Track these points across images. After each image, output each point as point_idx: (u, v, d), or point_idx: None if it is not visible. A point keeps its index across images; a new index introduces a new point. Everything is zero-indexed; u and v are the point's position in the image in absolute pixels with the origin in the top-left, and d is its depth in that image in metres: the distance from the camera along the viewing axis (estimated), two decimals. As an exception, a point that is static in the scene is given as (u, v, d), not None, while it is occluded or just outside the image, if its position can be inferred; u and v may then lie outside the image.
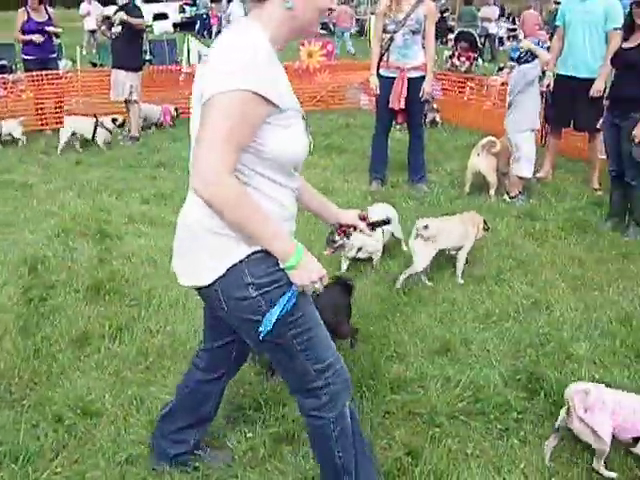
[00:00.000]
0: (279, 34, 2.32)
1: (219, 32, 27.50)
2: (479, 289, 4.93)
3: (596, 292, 4.94)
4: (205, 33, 29.24)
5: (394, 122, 7.40)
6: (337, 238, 4.41)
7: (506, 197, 6.92)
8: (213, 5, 31.03)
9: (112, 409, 3.49)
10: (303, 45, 13.83)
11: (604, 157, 6.74)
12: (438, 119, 10.70)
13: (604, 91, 6.85)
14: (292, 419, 3.37)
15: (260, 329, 2.34)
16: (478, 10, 22.30)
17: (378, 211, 5.08)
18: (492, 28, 22.07)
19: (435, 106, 10.69)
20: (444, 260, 5.33)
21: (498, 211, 6.08)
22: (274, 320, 2.31)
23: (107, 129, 9.30)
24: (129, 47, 9.29)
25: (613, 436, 3.04)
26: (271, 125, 2.24)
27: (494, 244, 5.73)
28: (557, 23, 7.66)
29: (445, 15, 28.13)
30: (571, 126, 7.65)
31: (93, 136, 9.21)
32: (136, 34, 9.38)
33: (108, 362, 3.93)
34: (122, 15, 9.02)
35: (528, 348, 4.12)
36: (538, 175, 7.62)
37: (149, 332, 4.26)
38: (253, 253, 2.31)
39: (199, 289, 2.47)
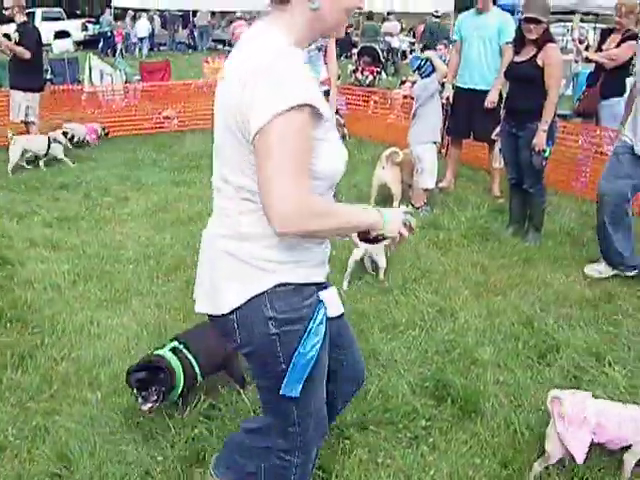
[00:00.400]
0: (304, 37, 2.16)
1: (124, 50, 27.45)
2: (385, 299, 4.98)
3: (499, 297, 5.09)
4: (109, 51, 28.88)
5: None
6: None
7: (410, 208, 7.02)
8: (118, 23, 30.68)
9: (16, 442, 3.37)
10: (207, 62, 13.81)
11: (501, 166, 6.98)
12: (345, 133, 10.81)
13: (500, 102, 7.09)
14: (201, 440, 3.34)
15: (282, 390, 2.22)
16: (380, 25, 22.83)
17: None
18: (394, 42, 22.57)
19: (342, 121, 10.80)
20: (355, 273, 5.40)
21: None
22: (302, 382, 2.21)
23: (60, 142, 9.19)
24: (26, 67, 8.98)
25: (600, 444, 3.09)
26: (318, 140, 2.05)
27: (399, 254, 5.81)
28: (454, 37, 7.90)
29: (349, 30, 28.60)
30: (471, 137, 7.87)
31: (46, 153, 9.06)
32: (34, 53, 9.13)
33: (10, 393, 3.79)
34: (16, 36, 8.78)
35: (435, 356, 4.21)
36: (440, 185, 7.80)
37: (53, 360, 4.14)
38: (280, 285, 2.16)
39: (214, 317, 2.32)
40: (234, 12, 35.67)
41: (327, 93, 6.99)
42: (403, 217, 2.29)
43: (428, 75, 6.82)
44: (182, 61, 23.94)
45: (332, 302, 2.37)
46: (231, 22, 35.90)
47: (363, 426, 3.52)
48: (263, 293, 2.15)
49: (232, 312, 2.20)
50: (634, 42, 7.59)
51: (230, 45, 30.88)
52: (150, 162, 9.33)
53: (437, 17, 20.41)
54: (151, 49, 31.70)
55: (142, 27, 31.08)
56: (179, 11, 34.75)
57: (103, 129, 10.55)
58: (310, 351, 2.19)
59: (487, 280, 5.38)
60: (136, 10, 32.25)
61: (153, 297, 5.03)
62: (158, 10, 32.00)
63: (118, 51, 26.45)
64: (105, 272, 5.49)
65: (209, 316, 2.35)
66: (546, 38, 5.81)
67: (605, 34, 8.26)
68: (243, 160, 2.07)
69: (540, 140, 5.82)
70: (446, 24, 22.46)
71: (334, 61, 7.19)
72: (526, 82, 5.97)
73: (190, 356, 3.53)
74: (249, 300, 2.16)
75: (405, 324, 4.58)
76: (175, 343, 3.57)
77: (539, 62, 5.83)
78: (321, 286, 2.32)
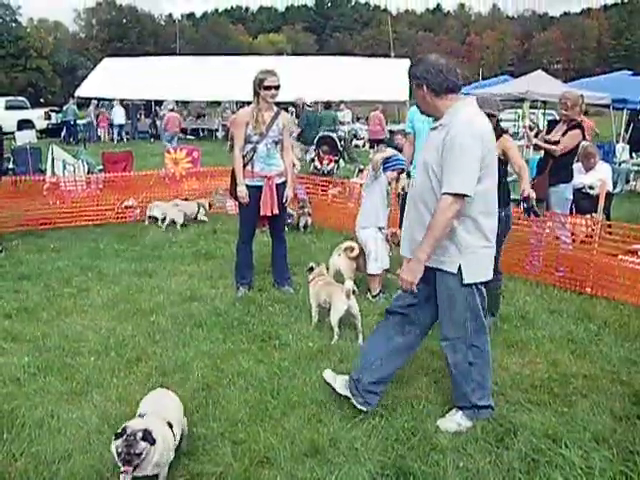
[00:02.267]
0: None
1: (86, 140, 27.70)
2: (346, 388, 5.02)
3: (455, 383, 5.17)
4: (72, 139, 29.22)
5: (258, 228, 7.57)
6: None
7: (369, 296, 7.17)
8: (103, 109, 31.53)
9: None
10: (169, 152, 14.04)
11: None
12: (309, 223, 10.99)
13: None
14: None
15: None
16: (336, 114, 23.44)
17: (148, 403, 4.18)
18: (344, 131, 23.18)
19: (308, 210, 10.98)
20: (312, 362, 5.47)
21: (362, 310, 6.28)
22: None
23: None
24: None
25: None
26: None
27: (359, 344, 5.92)
28: (407, 130, 8.14)
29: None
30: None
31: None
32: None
33: (-34, 493, 3.75)
34: None
35: (394, 443, 4.26)
36: (398, 272, 7.92)
37: (12, 456, 4.10)
38: None
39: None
40: (200, 102, 36.63)
41: (285, 184, 7.21)
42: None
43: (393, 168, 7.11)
44: (144, 150, 24.19)
45: None
46: (199, 115, 36.78)
47: (325, 517, 3.54)
48: None
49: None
50: (578, 131, 8.00)
51: (193, 134, 31.57)
52: (112, 252, 9.37)
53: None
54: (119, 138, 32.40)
55: (119, 114, 31.88)
56: (141, 100, 35.43)
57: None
58: None
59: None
60: (99, 99, 32.98)
61: (115, 390, 5.02)
62: (120, 100, 32.61)
63: (104, 137, 27.00)
64: (66, 364, 5.47)
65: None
66: (500, 130, 6.11)
67: (552, 124, 8.69)
68: None
69: None
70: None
71: (290, 153, 7.43)
72: None
73: None
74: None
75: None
76: None
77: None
78: None
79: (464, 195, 4.02)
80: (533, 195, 6.23)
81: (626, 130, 19.61)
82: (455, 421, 4.53)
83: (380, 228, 7.28)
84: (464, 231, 4.20)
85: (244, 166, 7.07)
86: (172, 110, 23.53)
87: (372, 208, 7.22)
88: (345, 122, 24.33)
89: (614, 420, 4.63)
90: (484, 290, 4.47)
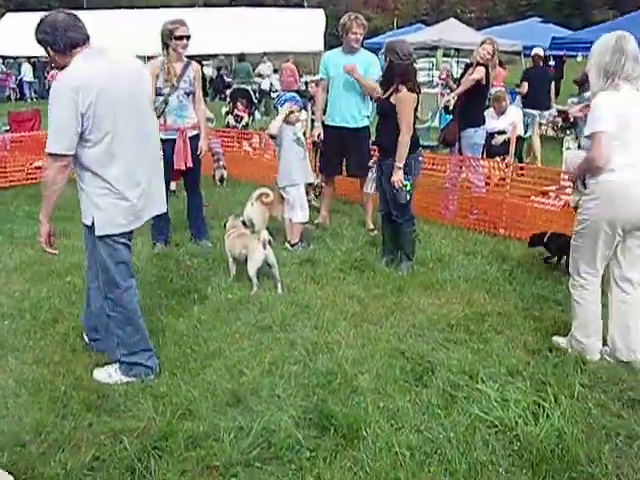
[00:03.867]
0: None
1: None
2: (265, 337, 5.05)
3: (375, 326, 5.25)
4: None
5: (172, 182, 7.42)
6: None
7: (287, 245, 7.16)
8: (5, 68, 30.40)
9: None
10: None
11: (372, 191, 7.28)
12: (225, 176, 10.85)
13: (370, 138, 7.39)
14: None
15: None
16: (254, 67, 23.17)
17: None
18: (264, 84, 22.88)
19: (223, 163, 10.84)
20: (232, 313, 5.47)
21: (280, 259, 6.28)
22: None
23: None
24: None
25: None
26: None
27: (277, 294, 5.95)
28: (321, 76, 8.06)
29: (221, 72, 28.87)
30: (343, 173, 8.08)
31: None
32: None
33: None
34: None
35: (316, 388, 4.29)
36: (316, 221, 7.99)
37: None
38: None
39: None
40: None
41: (199, 136, 7.08)
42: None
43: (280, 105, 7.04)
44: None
45: None
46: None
47: (248, 463, 3.56)
48: None
49: None
50: (480, 68, 8.07)
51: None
52: (23, 214, 9.04)
53: None
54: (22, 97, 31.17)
55: (28, 71, 30.69)
56: (47, 57, 33.99)
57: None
58: None
59: (363, 311, 5.54)
60: (4, 57, 31.59)
61: (31, 352, 4.89)
62: (27, 57, 31.31)
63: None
64: (-22, 330, 5.30)
65: None
66: (401, 78, 6.10)
67: (468, 67, 8.74)
68: None
69: (397, 177, 6.10)
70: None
71: (202, 105, 7.28)
72: (384, 118, 6.28)
73: None
74: None
75: (286, 360, 4.66)
76: None
77: (392, 100, 6.13)
78: None
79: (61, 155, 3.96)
80: (399, 182, 6.17)
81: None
82: (107, 371, 4.51)
83: (297, 185, 7.19)
84: (87, 185, 4.17)
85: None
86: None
87: (294, 165, 7.12)
88: (265, 75, 23.94)
89: (527, 354, 4.80)
90: (124, 242, 4.36)
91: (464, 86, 8.21)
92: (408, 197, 6.23)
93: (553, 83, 13.92)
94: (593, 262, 4.62)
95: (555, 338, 4.99)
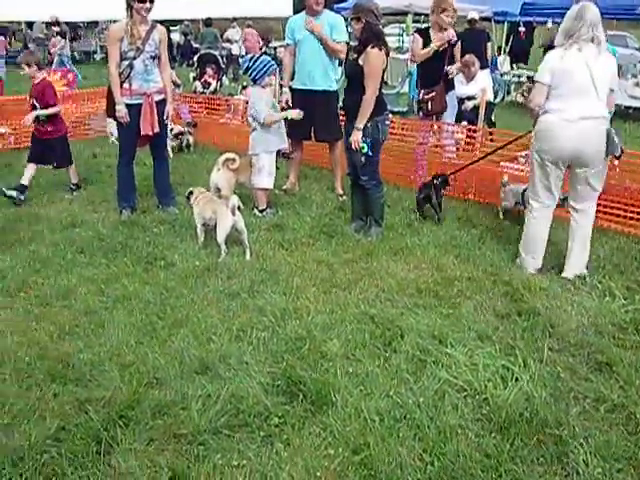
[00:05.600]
0: None
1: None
2: (234, 304, 5.00)
3: (344, 292, 5.23)
4: None
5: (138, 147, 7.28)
6: None
7: (256, 211, 7.08)
8: None
9: None
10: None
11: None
12: (191, 142, 10.71)
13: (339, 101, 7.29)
14: (52, 465, 3.23)
15: None
16: (223, 32, 22.84)
17: None
18: (235, 49, 22.60)
19: (189, 129, 10.70)
20: (199, 280, 5.40)
21: (249, 225, 6.21)
22: None
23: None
24: None
25: None
26: None
27: (245, 260, 5.89)
28: (287, 41, 7.95)
29: (189, 37, 28.47)
30: (312, 138, 7.99)
31: None
32: None
33: None
34: None
35: (284, 354, 4.26)
36: (284, 187, 7.91)
37: None
38: None
39: None
40: (80, 23, 34.56)
41: (165, 101, 6.94)
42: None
43: (260, 77, 6.84)
44: (17, 76, 22.79)
45: None
46: (74, 37, 34.68)
47: (216, 430, 3.53)
48: None
49: None
50: (440, 34, 7.96)
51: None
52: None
53: None
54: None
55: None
56: (10, 22, 33.15)
57: None
58: None
59: (333, 276, 5.50)
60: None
61: (-6, 323, 4.80)
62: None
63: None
64: (-60, 302, 5.17)
65: None
66: (369, 40, 6.00)
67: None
68: None
69: (354, 137, 6.05)
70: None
71: (168, 68, 7.14)
72: (352, 81, 6.20)
73: None
74: None
75: (254, 326, 4.61)
76: None
77: (360, 62, 6.04)
78: None
79: None
80: (357, 143, 6.14)
81: (506, 42, 19.91)
82: None
83: (270, 151, 7.05)
84: None
85: (121, 84, 6.75)
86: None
87: (261, 134, 6.96)
88: (233, 40, 23.60)
89: (496, 318, 4.82)
90: None
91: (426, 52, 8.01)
92: (363, 160, 6.17)
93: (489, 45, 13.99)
94: (535, 190, 5.62)
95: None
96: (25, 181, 7.83)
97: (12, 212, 7.42)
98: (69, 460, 3.30)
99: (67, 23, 29.55)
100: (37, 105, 7.77)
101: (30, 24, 29.98)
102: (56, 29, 23.16)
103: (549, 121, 5.36)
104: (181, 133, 10.42)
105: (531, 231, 5.69)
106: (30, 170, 7.93)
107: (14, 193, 7.63)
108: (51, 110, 7.77)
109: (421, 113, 8.25)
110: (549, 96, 5.34)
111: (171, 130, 9.68)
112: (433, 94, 8.09)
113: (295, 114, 7.07)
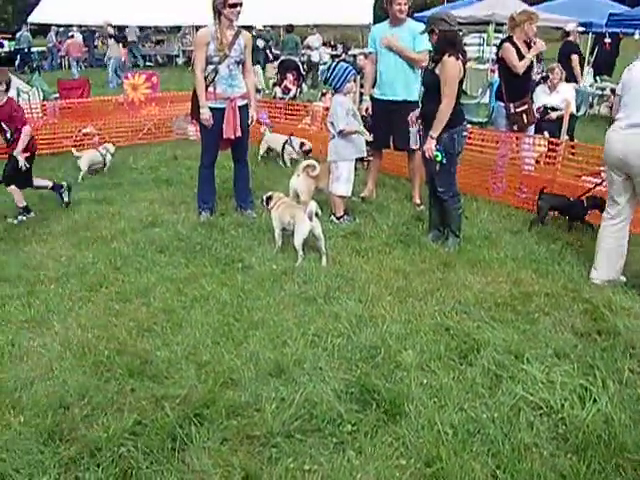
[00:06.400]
0: None
1: (41, 67, 26.82)
2: (309, 309, 5.03)
3: (420, 302, 5.19)
4: (26, 68, 28.16)
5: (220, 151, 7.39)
6: None
7: (333, 218, 7.11)
8: (54, 37, 30.26)
9: None
10: (127, 78, 13.65)
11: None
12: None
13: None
14: (128, 458, 3.31)
15: None
16: (303, 39, 23.04)
17: None
18: (314, 56, 22.75)
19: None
20: (276, 284, 5.45)
21: (326, 232, 6.24)
22: None
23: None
24: None
25: None
26: None
27: (322, 266, 5.92)
28: (369, 50, 7.96)
29: (270, 43, 28.76)
30: (391, 147, 7.97)
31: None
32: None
33: None
34: None
35: (359, 362, 4.26)
36: (362, 194, 7.92)
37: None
38: None
39: None
40: (164, 28, 35.39)
41: (248, 106, 7.05)
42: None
43: (340, 85, 6.83)
44: (102, 77, 23.47)
45: None
46: (158, 41, 35.46)
47: (289, 434, 3.55)
48: None
49: None
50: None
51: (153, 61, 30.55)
52: (70, 180, 9.14)
53: None
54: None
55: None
56: (99, 27, 34.11)
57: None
58: None
59: (408, 285, 5.47)
60: (59, 26, 31.68)
61: (75, 317, 4.95)
62: (79, 26, 31.36)
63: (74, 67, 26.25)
64: (25, 293, 5.36)
65: None
66: (445, 49, 5.96)
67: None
68: None
69: (428, 146, 6.02)
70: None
71: (252, 74, 7.24)
72: (428, 89, 6.17)
73: None
74: None
75: (329, 332, 4.63)
76: None
77: (437, 71, 6.00)
78: None
79: None
80: (430, 152, 6.10)
81: (591, 54, 19.48)
82: None
83: (349, 160, 7.01)
84: None
85: (206, 88, 6.86)
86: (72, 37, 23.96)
87: (339, 141, 6.90)
88: (313, 47, 23.79)
89: (575, 336, 4.70)
90: None
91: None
92: (437, 168, 6.13)
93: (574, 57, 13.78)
94: (611, 198, 5.64)
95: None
96: (20, 203, 7.38)
97: (95, 210, 7.65)
98: (144, 454, 3.38)
99: (153, 27, 30.27)
100: (4, 127, 7.22)
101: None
102: (110, 31, 23.60)
103: (609, 129, 5.56)
104: (310, 151, 10.05)
105: (597, 240, 5.76)
106: (15, 193, 7.38)
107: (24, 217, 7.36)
108: (25, 137, 7.15)
109: (516, 126, 8.08)
110: (619, 106, 5.52)
111: (301, 145, 9.88)
112: (525, 107, 7.98)
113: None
